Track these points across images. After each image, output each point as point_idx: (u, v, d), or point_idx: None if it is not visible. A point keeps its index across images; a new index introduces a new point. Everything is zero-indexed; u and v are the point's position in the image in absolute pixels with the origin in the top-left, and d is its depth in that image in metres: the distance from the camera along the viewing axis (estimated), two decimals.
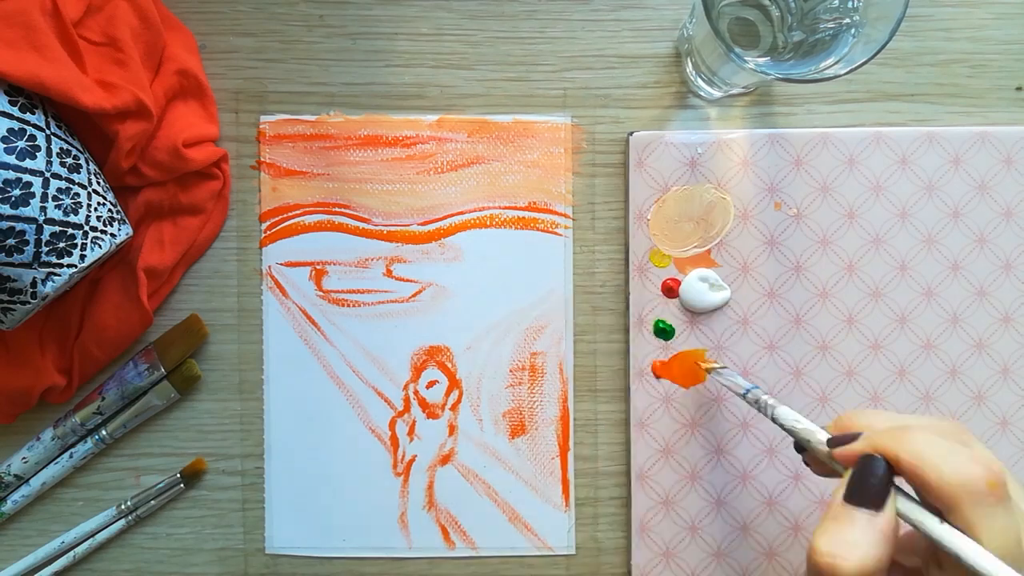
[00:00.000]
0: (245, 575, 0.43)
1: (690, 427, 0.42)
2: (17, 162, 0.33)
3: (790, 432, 0.32)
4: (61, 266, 0.36)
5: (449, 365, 0.43)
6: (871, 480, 0.27)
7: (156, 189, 0.41)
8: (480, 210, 0.43)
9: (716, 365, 0.39)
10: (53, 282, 0.36)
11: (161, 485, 0.43)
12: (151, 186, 0.41)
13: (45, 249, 0.35)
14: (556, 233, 0.43)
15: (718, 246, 0.42)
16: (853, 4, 0.37)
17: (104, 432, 0.42)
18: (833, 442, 0.29)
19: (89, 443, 0.42)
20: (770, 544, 0.42)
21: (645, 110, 0.43)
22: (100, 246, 0.37)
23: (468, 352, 0.43)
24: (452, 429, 0.43)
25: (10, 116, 0.34)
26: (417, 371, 0.43)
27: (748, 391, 0.36)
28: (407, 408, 0.43)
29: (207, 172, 0.42)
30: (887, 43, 0.34)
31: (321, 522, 0.43)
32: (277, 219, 0.43)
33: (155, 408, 0.42)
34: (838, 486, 0.28)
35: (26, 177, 0.34)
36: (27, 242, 0.34)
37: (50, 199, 0.35)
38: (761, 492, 0.42)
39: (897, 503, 0.27)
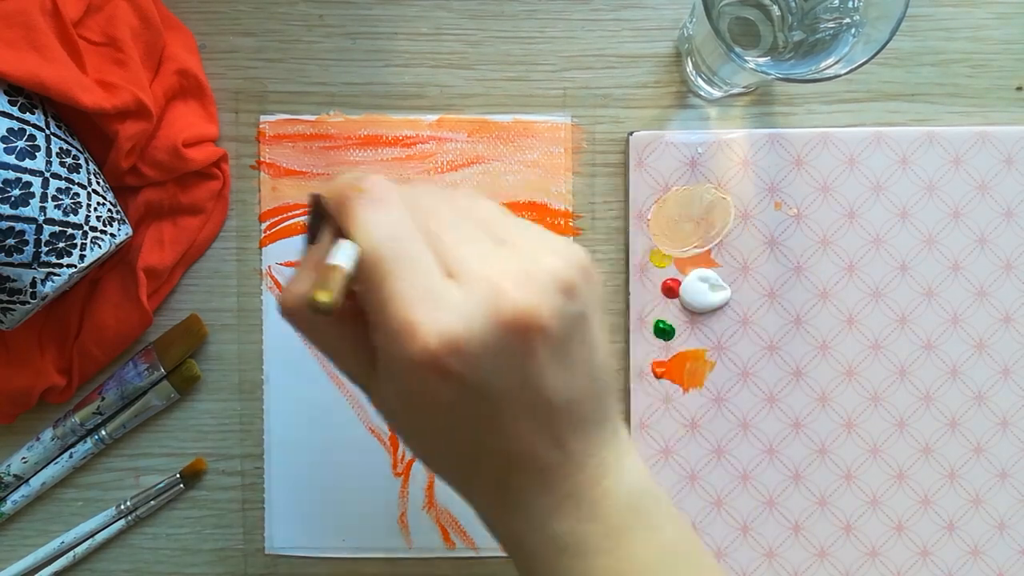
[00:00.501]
0: (245, 575, 0.43)
1: (690, 427, 0.42)
2: (17, 162, 0.33)
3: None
4: (61, 266, 0.36)
5: None
6: (310, 218, 0.29)
7: (156, 189, 0.41)
8: None
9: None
10: (53, 282, 0.36)
11: (161, 485, 0.43)
12: (151, 186, 0.41)
13: (45, 249, 0.35)
14: None
15: (718, 246, 0.42)
16: (853, 4, 0.37)
17: (104, 432, 0.42)
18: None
19: (89, 443, 0.42)
20: (770, 544, 0.42)
21: (645, 110, 0.43)
22: (100, 246, 0.37)
23: None
24: None
25: (10, 116, 0.34)
26: None
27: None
28: None
29: (207, 172, 0.42)
30: (887, 43, 0.34)
31: (321, 522, 0.43)
32: (277, 219, 0.43)
33: (155, 408, 0.42)
34: None
35: (26, 177, 0.34)
36: (27, 242, 0.34)
37: (50, 199, 0.34)
38: (761, 492, 0.42)
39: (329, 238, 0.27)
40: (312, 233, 0.29)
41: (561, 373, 0.25)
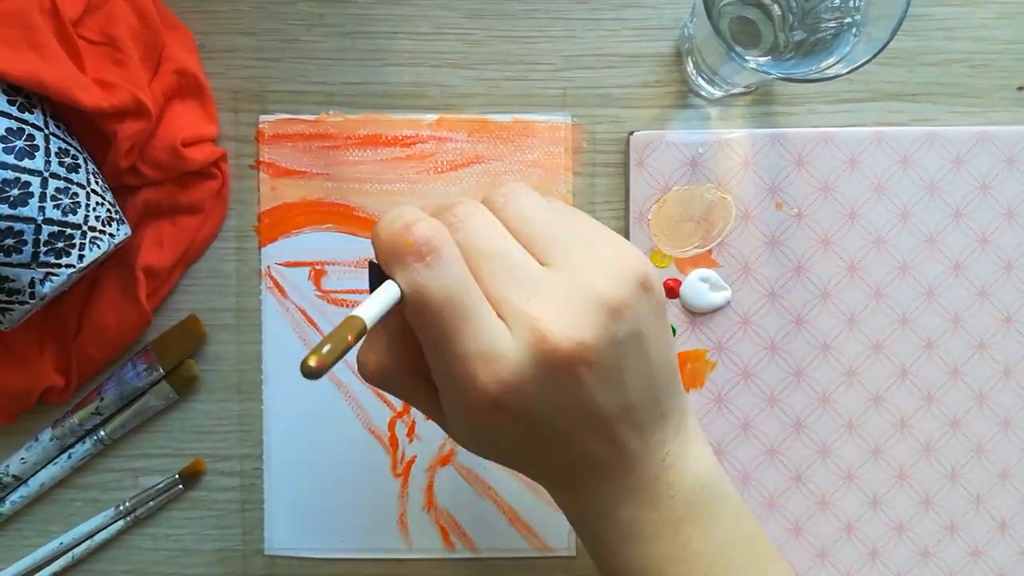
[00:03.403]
0: None
1: None
2: (16, 162, 0.33)
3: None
4: (59, 266, 0.35)
5: None
6: (370, 280, 0.28)
7: (155, 189, 0.41)
8: None
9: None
10: (51, 282, 0.36)
11: (160, 486, 0.42)
12: (150, 186, 0.40)
13: (43, 249, 0.35)
14: None
15: (719, 246, 0.42)
16: (854, 3, 0.37)
17: (103, 433, 0.42)
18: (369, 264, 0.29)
19: (88, 444, 0.42)
20: None
21: (646, 109, 0.43)
22: (99, 246, 0.37)
23: None
24: None
25: (8, 116, 0.34)
26: None
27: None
28: (406, 409, 0.43)
29: (206, 172, 0.41)
30: (888, 42, 0.33)
31: (320, 523, 0.43)
32: (276, 219, 0.43)
33: (154, 408, 0.42)
34: None
35: (24, 177, 0.34)
36: (25, 242, 0.34)
37: (48, 199, 0.34)
38: (762, 493, 0.42)
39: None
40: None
41: (613, 389, 0.26)
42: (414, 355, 0.28)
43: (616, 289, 0.26)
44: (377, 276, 0.27)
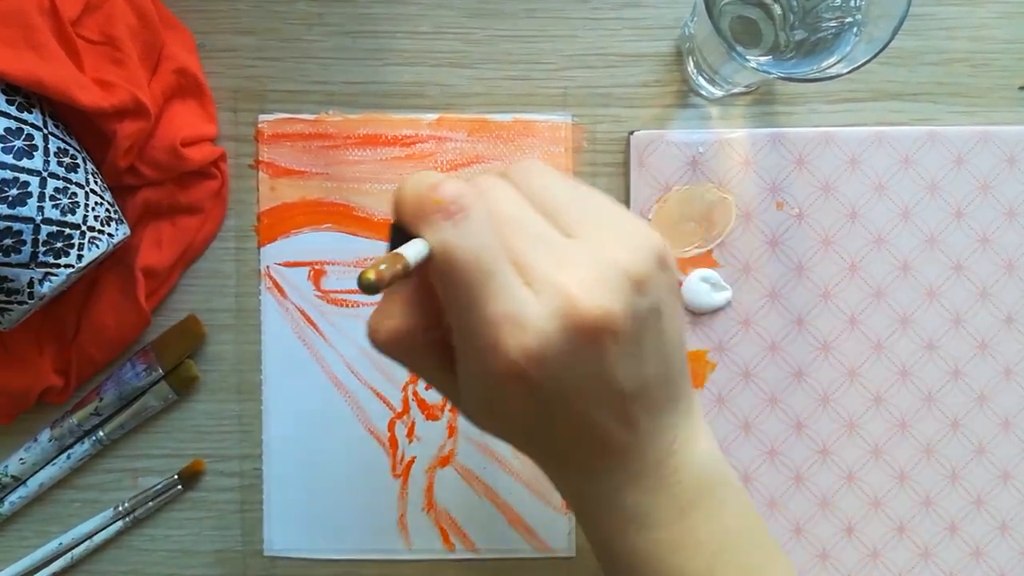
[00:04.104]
0: None
1: None
2: (14, 161, 0.33)
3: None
4: (58, 266, 0.35)
5: None
6: (390, 243, 0.27)
7: (154, 189, 0.41)
8: None
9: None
10: (50, 282, 0.35)
11: (159, 486, 0.42)
12: (149, 186, 0.40)
13: (42, 249, 0.35)
14: None
15: (720, 246, 0.42)
16: (855, 3, 0.37)
17: (102, 433, 0.42)
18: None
19: (87, 444, 0.42)
20: None
21: (646, 109, 0.43)
22: (97, 246, 0.37)
23: None
24: (452, 430, 0.43)
25: (7, 115, 0.34)
26: None
27: None
28: (406, 409, 0.43)
29: (205, 171, 0.41)
30: (889, 42, 0.33)
31: (320, 524, 0.43)
32: (275, 219, 0.43)
33: (153, 409, 0.42)
34: None
35: (23, 177, 0.34)
36: (24, 242, 0.34)
37: (47, 199, 0.34)
38: (763, 494, 0.42)
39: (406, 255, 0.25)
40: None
41: (632, 364, 0.26)
42: (430, 321, 0.27)
43: (638, 262, 0.25)
44: (399, 239, 0.26)
